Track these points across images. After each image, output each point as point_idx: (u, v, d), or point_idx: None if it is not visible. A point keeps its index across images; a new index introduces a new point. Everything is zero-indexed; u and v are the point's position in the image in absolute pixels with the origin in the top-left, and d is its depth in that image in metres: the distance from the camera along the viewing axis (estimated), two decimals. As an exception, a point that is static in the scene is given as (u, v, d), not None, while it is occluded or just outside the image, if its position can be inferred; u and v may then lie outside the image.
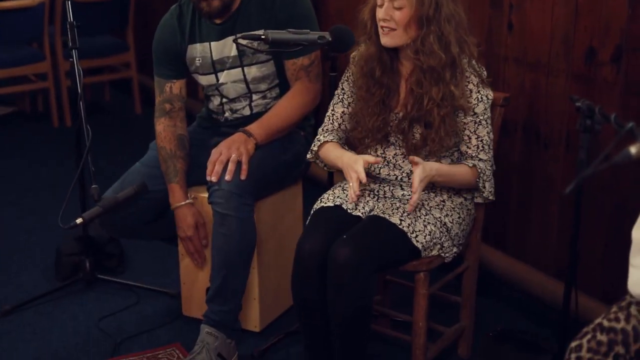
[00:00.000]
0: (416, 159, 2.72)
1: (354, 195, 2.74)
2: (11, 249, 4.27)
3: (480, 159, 2.85)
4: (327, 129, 3.03)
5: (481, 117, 2.83)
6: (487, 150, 2.85)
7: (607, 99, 3.06)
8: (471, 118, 2.83)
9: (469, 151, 2.85)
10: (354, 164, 2.78)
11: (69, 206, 3.22)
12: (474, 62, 2.86)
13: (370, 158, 2.79)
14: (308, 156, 3.06)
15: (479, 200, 2.94)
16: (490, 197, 2.91)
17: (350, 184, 2.76)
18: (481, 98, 2.83)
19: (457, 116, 2.83)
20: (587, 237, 3.18)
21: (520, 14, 3.41)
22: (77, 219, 3.15)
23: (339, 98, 3.04)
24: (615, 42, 3.03)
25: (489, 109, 2.86)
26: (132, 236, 3.59)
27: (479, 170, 2.83)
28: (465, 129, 2.84)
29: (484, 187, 2.87)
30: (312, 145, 3.05)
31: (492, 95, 2.88)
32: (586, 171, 1.83)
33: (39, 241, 4.33)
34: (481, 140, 2.84)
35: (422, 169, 2.69)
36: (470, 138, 2.85)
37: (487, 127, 2.85)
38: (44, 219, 4.58)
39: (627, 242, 2.11)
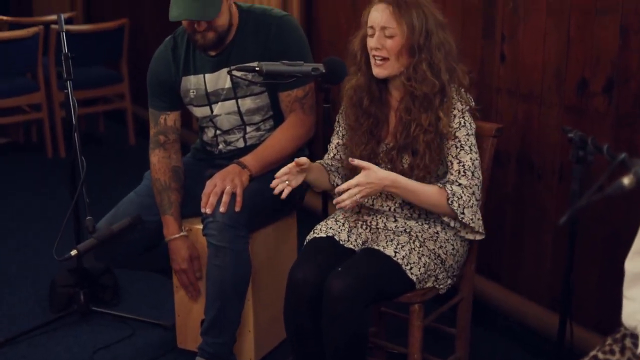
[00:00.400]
0: (363, 163, 2.72)
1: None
2: (5, 280, 4.25)
3: (459, 184, 2.79)
4: (324, 159, 3.07)
5: (463, 142, 2.81)
6: (469, 177, 2.80)
7: (599, 130, 3.08)
8: (452, 142, 2.81)
9: (451, 177, 2.81)
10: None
11: (64, 238, 3.22)
12: (462, 91, 2.86)
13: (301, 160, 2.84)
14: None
15: (468, 235, 2.88)
16: (473, 226, 2.82)
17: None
18: (464, 123, 2.81)
19: (442, 143, 2.83)
20: (581, 268, 3.19)
21: (513, 45, 3.43)
22: (71, 250, 3.15)
23: (335, 130, 3.07)
24: (607, 73, 3.06)
25: (472, 137, 2.83)
26: (125, 266, 3.59)
27: (449, 192, 2.77)
28: (448, 154, 2.83)
29: (463, 213, 2.79)
30: None
31: (474, 125, 2.86)
32: (579, 203, 1.83)
33: (33, 273, 4.32)
34: (462, 165, 2.80)
35: (366, 175, 2.70)
36: (452, 163, 2.82)
37: (471, 153, 2.81)
38: (38, 251, 4.57)
39: (621, 273, 2.11)
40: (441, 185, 2.79)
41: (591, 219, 3.15)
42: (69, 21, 6.68)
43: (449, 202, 2.78)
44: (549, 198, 3.37)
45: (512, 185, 3.53)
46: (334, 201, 2.76)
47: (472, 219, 2.81)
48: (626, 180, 1.79)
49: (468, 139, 2.81)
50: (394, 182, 2.75)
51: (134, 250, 3.40)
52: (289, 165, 2.84)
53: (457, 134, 2.81)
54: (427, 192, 2.79)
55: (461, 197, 2.78)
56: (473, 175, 2.80)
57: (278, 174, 2.84)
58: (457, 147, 2.81)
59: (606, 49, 3.05)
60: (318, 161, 3.06)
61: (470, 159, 2.81)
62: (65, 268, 3.90)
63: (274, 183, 2.84)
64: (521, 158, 3.47)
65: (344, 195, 2.70)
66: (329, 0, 4.59)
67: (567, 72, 3.22)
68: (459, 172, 2.80)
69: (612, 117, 3.05)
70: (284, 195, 2.84)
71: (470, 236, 2.89)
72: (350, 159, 2.76)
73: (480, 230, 2.86)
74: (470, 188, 2.80)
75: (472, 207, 2.80)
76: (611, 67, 3.04)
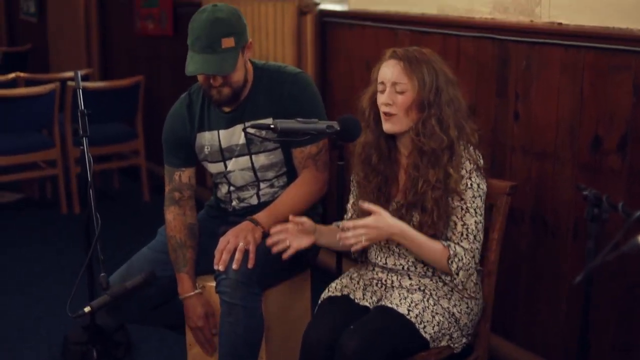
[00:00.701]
0: (374, 207, 2.73)
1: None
2: (19, 336, 4.24)
3: (462, 247, 2.79)
4: (343, 220, 3.07)
5: (469, 204, 2.80)
6: (471, 240, 2.79)
7: (613, 187, 3.07)
8: (458, 203, 2.81)
9: (453, 237, 2.81)
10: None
11: (77, 294, 3.21)
12: (471, 148, 2.86)
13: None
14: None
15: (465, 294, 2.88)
16: (465, 289, 2.85)
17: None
18: (471, 185, 2.81)
19: (450, 201, 2.82)
20: (597, 325, 3.16)
21: (526, 103, 3.44)
22: (85, 307, 3.14)
23: (351, 190, 3.07)
24: (621, 130, 3.06)
25: (479, 200, 2.82)
26: (137, 322, 3.57)
27: (452, 252, 2.77)
28: (452, 213, 2.82)
29: (457, 274, 2.78)
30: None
31: (484, 186, 2.85)
32: (595, 261, 1.83)
33: (47, 329, 4.31)
34: (466, 228, 2.80)
35: (376, 219, 2.71)
36: (456, 224, 2.81)
37: (476, 216, 2.80)
38: (51, 307, 4.56)
39: (638, 329, 2.09)
40: (446, 245, 2.79)
41: (606, 274, 3.13)
42: (85, 78, 6.73)
43: (449, 262, 2.77)
44: (563, 256, 3.35)
45: (526, 243, 3.52)
46: (337, 236, 2.76)
47: (463, 282, 2.83)
48: (642, 239, 1.79)
49: (474, 202, 2.81)
50: (402, 232, 2.76)
51: (146, 306, 3.38)
52: (285, 224, 2.84)
53: (463, 196, 2.80)
54: (431, 248, 2.79)
55: (462, 259, 2.78)
56: (475, 238, 2.80)
57: (272, 231, 2.85)
58: (462, 209, 2.80)
59: (620, 107, 3.06)
60: (334, 223, 3.05)
61: (475, 222, 2.80)
62: (79, 324, 3.89)
63: (268, 241, 2.85)
64: (535, 216, 3.46)
65: (349, 233, 2.71)
66: (343, 61, 4.63)
67: (580, 129, 3.22)
68: (462, 235, 2.79)
69: (626, 175, 3.05)
70: (285, 256, 2.85)
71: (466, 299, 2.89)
72: (360, 201, 2.77)
73: (473, 295, 2.87)
74: (472, 252, 2.80)
75: (468, 270, 2.81)
76: (625, 124, 3.04)
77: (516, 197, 3.34)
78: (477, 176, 2.83)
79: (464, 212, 2.80)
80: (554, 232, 3.38)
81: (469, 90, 3.65)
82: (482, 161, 2.88)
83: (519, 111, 3.48)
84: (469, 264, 2.79)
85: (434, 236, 2.81)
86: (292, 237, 2.88)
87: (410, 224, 2.83)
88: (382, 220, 2.72)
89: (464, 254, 2.78)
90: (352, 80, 4.52)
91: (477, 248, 2.81)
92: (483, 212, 2.84)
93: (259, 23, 4.99)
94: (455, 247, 2.78)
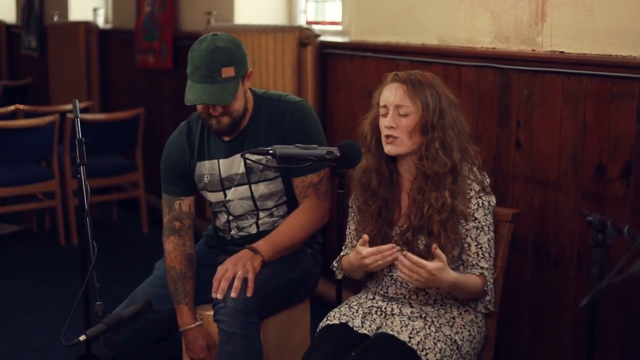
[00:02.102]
0: (440, 253, 2.62)
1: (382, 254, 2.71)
2: (15, 368, 4.20)
3: (481, 267, 2.79)
4: (345, 246, 3.04)
5: (483, 223, 2.80)
6: (487, 258, 2.80)
7: (618, 215, 3.04)
8: (473, 224, 2.80)
9: (469, 259, 2.80)
10: (357, 252, 2.76)
11: (75, 324, 3.17)
12: (475, 169, 2.85)
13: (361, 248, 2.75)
14: (338, 276, 3.03)
15: (481, 309, 2.86)
16: (490, 307, 2.84)
17: (374, 259, 2.71)
18: (482, 203, 2.81)
19: (458, 223, 2.80)
20: (602, 354, 3.11)
21: (528, 131, 3.42)
22: (80, 336, 3.10)
23: (350, 215, 3.04)
24: (625, 158, 3.03)
25: (489, 216, 2.83)
26: (133, 356, 3.52)
27: (487, 280, 2.79)
28: (467, 235, 2.80)
29: (489, 294, 2.80)
30: (336, 262, 3.02)
31: (494, 201, 2.86)
32: (600, 284, 1.79)
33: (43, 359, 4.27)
34: (480, 248, 2.80)
35: (438, 267, 2.60)
36: (470, 245, 2.80)
37: (489, 233, 2.82)
38: (48, 338, 4.51)
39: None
40: (478, 274, 2.78)
41: (611, 303, 3.09)
42: (85, 110, 6.74)
43: (485, 289, 2.78)
44: (566, 285, 3.31)
45: (530, 272, 3.48)
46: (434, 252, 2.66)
47: (490, 301, 2.84)
48: (649, 261, 1.76)
49: (486, 219, 2.81)
50: (452, 285, 2.70)
51: (145, 340, 3.34)
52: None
53: (476, 215, 2.79)
54: (474, 284, 2.77)
55: (490, 280, 2.79)
56: (490, 255, 2.81)
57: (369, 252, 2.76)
58: (477, 229, 2.80)
59: (623, 134, 3.04)
60: (343, 256, 3.00)
61: (488, 239, 2.81)
62: (75, 355, 3.83)
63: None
64: (538, 245, 3.42)
65: (405, 270, 2.62)
66: (343, 92, 4.62)
67: (584, 157, 3.20)
68: (478, 255, 2.79)
69: (631, 202, 3.02)
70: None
71: (483, 309, 2.87)
72: (433, 246, 2.64)
73: (490, 307, 2.87)
74: (491, 269, 2.82)
75: (492, 288, 2.82)
76: (629, 151, 3.02)
77: (519, 226, 3.31)
78: (486, 194, 2.83)
79: (479, 231, 2.80)
80: (557, 262, 3.34)
81: (471, 120, 3.63)
82: (488, 180, 2.87)
83: (520, 139, 3.45)
84: (492, 282, 2.81)
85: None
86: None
87: (416, 248, 2.80)
88: (445, 273, 2.63)
89: (488, 275, 2.79)
90: (352, 111, 4.50)
91: (493, 264, 2.83)
92: (493, 227, 2.85)
93: (260, 54, 4.99)
94: (484, 272, 2.78)
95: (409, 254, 2.64)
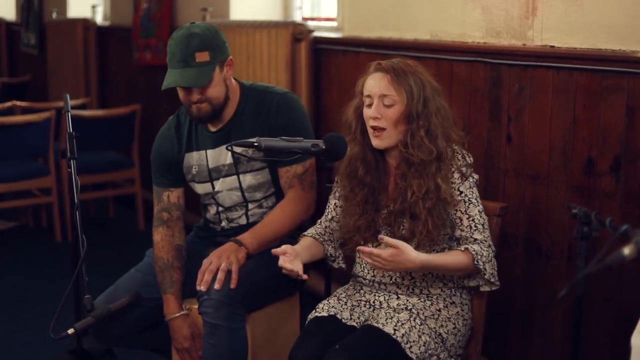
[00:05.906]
0: (394, 242, 2.62)
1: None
2: (6, 361, 4.20)
3: (474, 240, 2.75)
4: (321, 221, 3.04)
5: (470, 196, 2.78)
6: (481, 230, 2.77)
7: (608, 209, 3.04)
8: (459, 198, 2.78)
9: (462, 233, 2.78)
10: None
11: (69, 319, 3.17)
12: (458, 153, 2.83)
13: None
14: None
15: (485, 288, 2.82)
16: (493, 281, 2.79)
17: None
18: (466, 177, 2.79)
19: (446, 208, 2.78)
20: (592, 350, 3.11)
21: (519, 126, 3.42)
22: (68, 329, 3.10)
23: (332, 190, 3.04)
24: (614, 152, 3.03)
25: (475, 189, 2.81)
26: (124, 345, 3.52)
27: (474, 253, 2.72)
28: (456, 211, 2.78)
29: (485, 269, 2.74)
30: (300, 236, 3.05)
31: (476, 177, 2.84)
32: (579, 274, 1.79)
33: (35, 355, 4.26)
34: (472, 220, 2.77)
35: (392, 253, 2.60)
36: (461, 220, 2.78)
37: (478, 205, 2.79)
38: (40, 333, 4.51)
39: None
40: (463, 249, 2.74)
41: (602, 300, 3.09)
42: (82, 107, 6.74)
43: (475, 262, 2.72)
44: (557, 279, 3.31)
45: (520, 267, 3.47)
46: (361, 253, 2.66)
47: (492, 274, 2.77)
48: (627, 250, 1.76)
49: (472, 192, 2.79)
50: (424, 266, 2.68)
51: (133, 329, 3.34)
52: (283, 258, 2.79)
53: (460, 188, 2.78)
54: (456, 263, 2.72)
55: (482, 254, 2.73)
56: (483, 227, 2.78)
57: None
58: (465, 202, 2.78)
59: (613, 128, 3.03)
60: (308, 234, 3.01)
61: (478, 211, 2.78)
62: (66, 349, 3.83)
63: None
64: (529, 239, 3.42)
65: (368, 260, 2.63)
66: (336, 87, 4.62)
67: (573, 152, 3.19)
68: (471, 227, 2.77)
69: (620, 196, 3.02)
70: (300, 276, 2.79)
71: (486, 288, 2.82)
72: (380, 236, 2.67)
73: (495, 282, 2.81)
74: (486, 241, 2.77)
75: (490, 261, 2.77)
76: (619, 145, 3.01)
77: (509, 220, 3.30)
78: (468, 169, 2.81)
79: (467, 204, 2.78)
80: (548, 256, 3.33)
81: (462, 114, 3.63)
82: (471, 159, 2.85)
83: (511, 134, 3.45)
84: (488, 255, 2.75)
85: (430, 245, 2.78)
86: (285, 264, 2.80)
87: (399, 232, 2.79)
88: (404, 257, 2.62)
89: (481, 248, 2.74)
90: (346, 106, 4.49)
91: (488, 236, 2.78)
92: (480, 200, 2.82)
93: (254, 50, 4.98)
94: (472, 247, 2.73)
95: (361, 247, 2.66)
